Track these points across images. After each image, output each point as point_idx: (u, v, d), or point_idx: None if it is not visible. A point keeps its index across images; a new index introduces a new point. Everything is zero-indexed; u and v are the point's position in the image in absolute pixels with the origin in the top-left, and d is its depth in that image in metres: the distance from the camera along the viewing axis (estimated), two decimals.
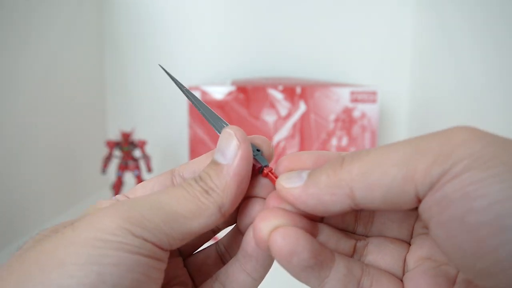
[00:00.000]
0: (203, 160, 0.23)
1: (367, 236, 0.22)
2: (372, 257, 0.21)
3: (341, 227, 0.22)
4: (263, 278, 0.22)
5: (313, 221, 0.20)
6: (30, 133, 0.60)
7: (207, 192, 0.19)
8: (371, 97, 0.67)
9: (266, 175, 0.21)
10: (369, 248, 0.21)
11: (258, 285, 0.21)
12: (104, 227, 0.17)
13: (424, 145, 0.16)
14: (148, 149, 0.73)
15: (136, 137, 0.72)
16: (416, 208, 0.17)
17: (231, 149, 0.19)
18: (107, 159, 0.69)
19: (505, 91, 0.49)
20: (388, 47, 0.79)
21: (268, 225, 0.18)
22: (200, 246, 0.25)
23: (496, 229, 0.14)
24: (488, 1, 0.52)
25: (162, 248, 0.18)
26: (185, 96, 0.24)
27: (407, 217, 0.21)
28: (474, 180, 0.14)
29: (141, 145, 0.70)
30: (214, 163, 0.20)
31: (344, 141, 0.68)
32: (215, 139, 0.68)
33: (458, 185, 0.14)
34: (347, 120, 0.68)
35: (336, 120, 0.68)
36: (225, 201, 0.19)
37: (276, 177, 0.20)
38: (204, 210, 0.19)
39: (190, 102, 0.24)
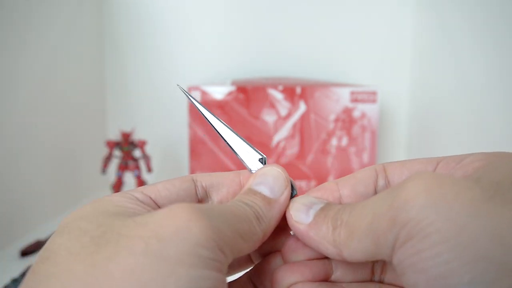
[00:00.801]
0: (225, 177, 0.23)
1: None
2: (391, 275, 0.22)
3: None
4: None
5: (327, 259, 0.22)
6: (30, 133, 0.60)
7: (258, 219, 0.20)
8: (371, 97, 0.67)
9: None
10: (388, 266, 0.22)
11: None
12: (194, 238, 0.16)
13: (378, 210, 0.17)
14: (148, 149, 0.73)
15: (136, 137, 0.72)
16: None
17: (279, 187, 0.21)
18: (107, 159, 0.69)
19: (505, 91, 0.49)
20: (388, 47, 0.79)
21: (285, 283, 0.21)
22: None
23: None
24: (488, 1, 0.52)
25: (227, 263, 0.18)
26: (193, 103, 0.25)
27: None
28: (416, 251, 0.15)
29: (141, 145, 0.70)
30: (260, 195, 0.21)
31: (344, 141, 0.68)
32: (215, 139, 0.68)
33: (405, 254, 0.16)
34: (347, 120, 0.68)
35: (336, 120, 0.68)
36: (268, 232, 0.21)
37: None
38: (254, 234, 0.20)
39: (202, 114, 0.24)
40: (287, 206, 0.22)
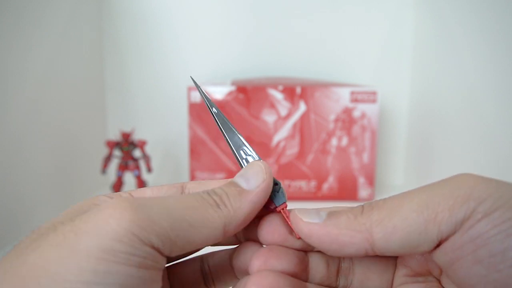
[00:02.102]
0: (215, 184, 0.23)
1: None
2: (358, 278, 0.21)
3: (325, 283, 0.22)
4: None
5: (302, 281, 0.21)
6: (30, 133, 0.60)
7: (218, 205, 0.19)
8: (371, 97, 0.67)
9: (279, 212, 0.22)
10: (355, 269, 0.22)
11: None
12: (110, 232, 0.16)
13: (438, 191, 0.17)
14: (148, 149, 0.73)
15: (136, 137, 0.72)
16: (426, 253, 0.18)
17: (256, 180, 0.21)
18: (107, 159, 0.69)
19: (505, 91, 0.49)
20: (388, 47, 0.79)
21: (256, 266, 0.20)
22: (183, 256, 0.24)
23: None
24: (488, 1, 0.52)
25: (163, 255, 0.18)
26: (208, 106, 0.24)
27: (387, 267, 0.22)
28: (506, 219, 0.16)
29: (141, 145, 0.70)
30: (234, 184, 0.21)
31: (344, 141, 0.68)
32: (215, 139, 0.68)
33: (492, 224, 0.16)
34: (347, 120, 0.68)
35: (336, 120, 0.68)
36: (232, 221, 0.20)
37: (288, 215, 0.21)
38: (210, 222, 0.19)
39: (210, 110, 0.24)
40: (263, 199, 0.21)
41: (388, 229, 0.17)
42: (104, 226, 0.16)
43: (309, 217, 0.19)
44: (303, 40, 0.79)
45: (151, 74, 0.82)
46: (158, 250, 0.17)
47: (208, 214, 0.19)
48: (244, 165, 0.23)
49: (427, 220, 0.17)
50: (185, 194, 0.20)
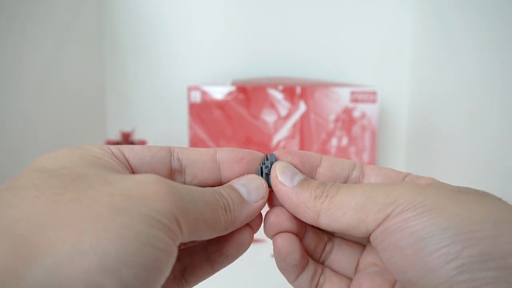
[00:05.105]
0: (204, 153, 0.24)
1: (332, 235, 0.26)
2: (333, 257, 0.25)
3: (312, 257, 0.26)
4: None
5: (302, 224, 0.24)
6: (30, 133, 0.60)
7: (225, 210, 0.21)
8: (371, 97, 0.67)
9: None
10: (334, 250, 0.26)
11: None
12: (156, 207, 0.17)
13: (374, 196, 0.21)
14: None
15: (136, 137, 0.72)
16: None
17: (256, 195, 0.23)
18: None
19: (505, 91, 0.49)
20: (388, 47, 0.79)
21: (274, 229, 0.24)
22: None
23: (415, 249, 0.19)
24: (488, 1, 0.52)
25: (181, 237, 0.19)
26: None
27: (358, 250, 0.26)
28: (404, 218, 0.20)
29: (141, 145, 0.70)
30: (237, 192, 0.23)
31: (344, 141, 0.68)
32: (215, 139, 0.68)
33: (394, 221, 0.20)
34: (347, 120, 0.68)
35: (336, 120, 0.68)
36: (230, 227, 0.22)
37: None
38: (217, 224, 0.21)
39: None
40: (257, 213, 0.23)
41: (331, 218, 0.21)
42: (152, 199, 0.17)
43: (283, 178, 0.23)
44: (303, 40, 0.79)
45: (151, 74, 0.82)
46: (182, 232, 0.19)
47: (218, 216, 0.21)
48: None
49: (360, 220, 0.21)
50: (205, 189, 0.22)
